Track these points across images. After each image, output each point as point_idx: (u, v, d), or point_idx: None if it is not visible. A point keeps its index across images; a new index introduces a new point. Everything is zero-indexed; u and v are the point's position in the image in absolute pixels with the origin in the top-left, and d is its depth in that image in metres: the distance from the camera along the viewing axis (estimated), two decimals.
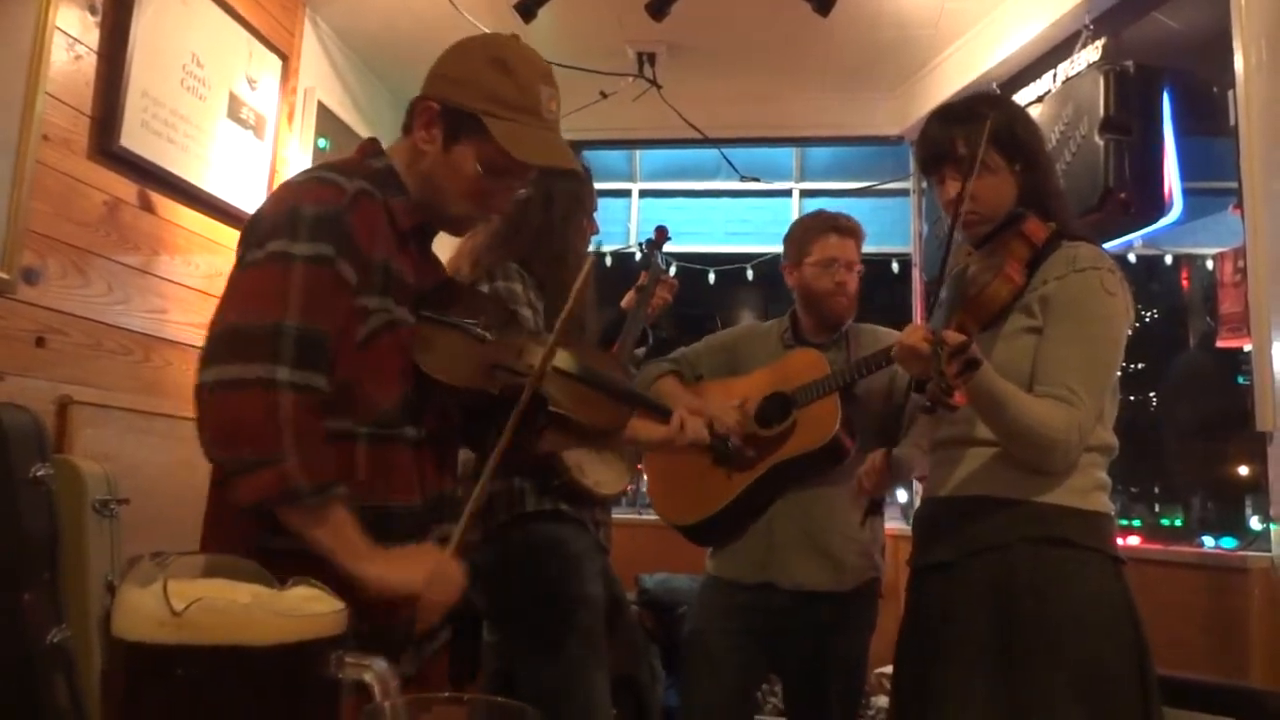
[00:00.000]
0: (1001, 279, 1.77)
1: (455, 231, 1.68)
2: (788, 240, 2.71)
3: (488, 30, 3.65)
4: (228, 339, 1.36)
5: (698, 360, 2.71)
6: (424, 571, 1.41)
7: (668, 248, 2.88)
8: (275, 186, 3.42)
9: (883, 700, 3.68)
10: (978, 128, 1.83)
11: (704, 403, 2.44)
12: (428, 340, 1.55)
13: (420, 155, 1.56)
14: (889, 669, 1.98)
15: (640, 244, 2.80)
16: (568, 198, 2.32)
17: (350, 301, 1.44)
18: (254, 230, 1.46)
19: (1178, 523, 5.19)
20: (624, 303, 2.73)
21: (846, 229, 2.63)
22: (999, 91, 3.89)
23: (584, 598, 2.24)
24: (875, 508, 2.23)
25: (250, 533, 1.39)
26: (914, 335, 1.64)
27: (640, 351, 2.69)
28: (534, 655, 2.21)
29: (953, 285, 1.85)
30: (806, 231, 2.65)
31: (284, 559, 1.35)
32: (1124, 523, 4.14)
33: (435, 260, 1.72)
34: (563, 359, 1.58)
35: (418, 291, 1.57)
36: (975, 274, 1.83)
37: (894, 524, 4.51)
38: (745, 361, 2.66)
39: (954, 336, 1.58)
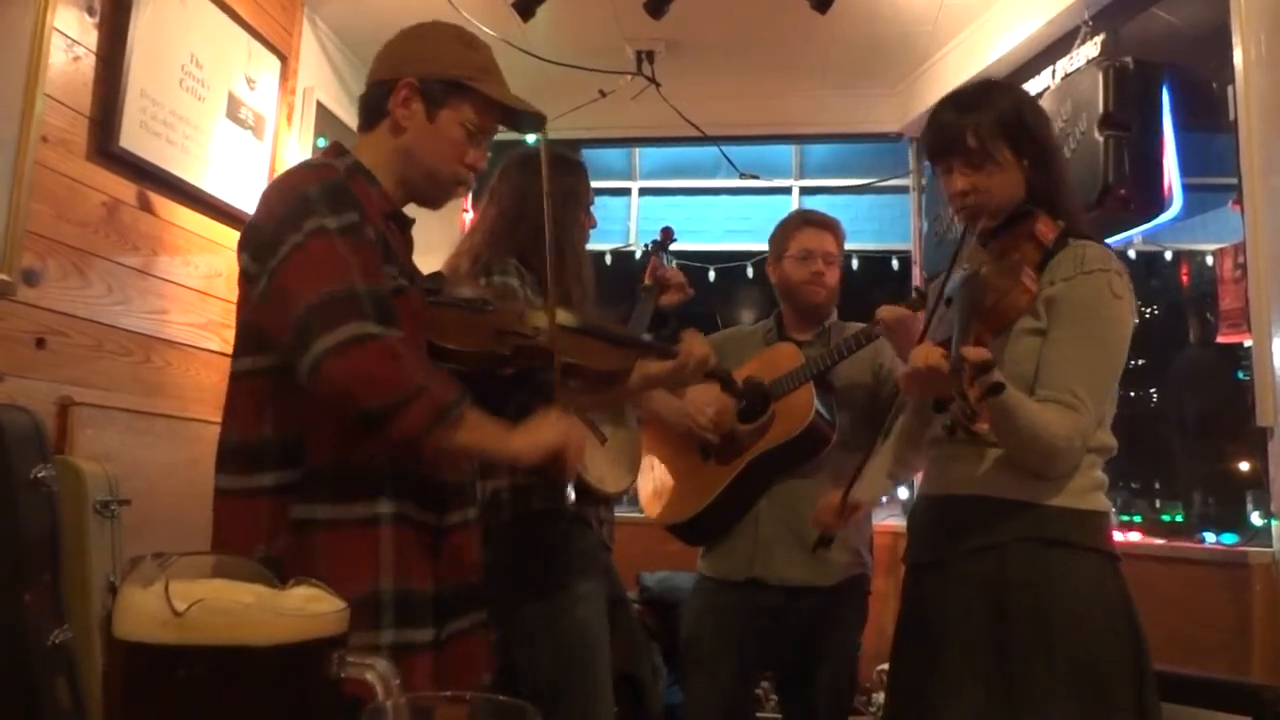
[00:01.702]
0: (1020, 290, 1.73)
1: (435, 203, 1.72)
2: (770, 240, 2.78)
3: (487, 30, 3.66)
4: (318, 313, 1.41)
5: None
6: (558, 428, 1.56)
7: (669, 247, 2.88)
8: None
9: (883, 697, 3.68)
10: (988, 116, 1.80)
11: (685, 398, 2.47)
12: (434, 318, 1.62)
13: (399, 132, 1.63)
14: (888, 665, 1.98)
15: (645, 245, 2.80)
16: (564, 192, 2.32)
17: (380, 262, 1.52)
18: (261, 230, 1.49)
19: (1179, 519, 5.19)
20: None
21: (821, 222, 2.71)
22: None
23: (586, 595, 2.24)
24: (825, 542, 2.26)
25: (278, 517, 1.45)
26: (932, 355, 1.59)
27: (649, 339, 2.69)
28: (535, 653, 2.21)
29: (964, 291, 1.76)
30: (784, 228, 2.74)
31: (318, 528, 1.44)
32: (1125, 519, 4.14)
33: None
34: (564, 317, 1.65)
35: (409, 270, 1.64)
36: (989, 280, 1.76)
37: (893, 520, 4.51)
38: (729, 364, 2.69)
39: (976, 354, 1.52)
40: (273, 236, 1.46)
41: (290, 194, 1.49)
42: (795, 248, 2.66)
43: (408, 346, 1.45)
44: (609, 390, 1.97)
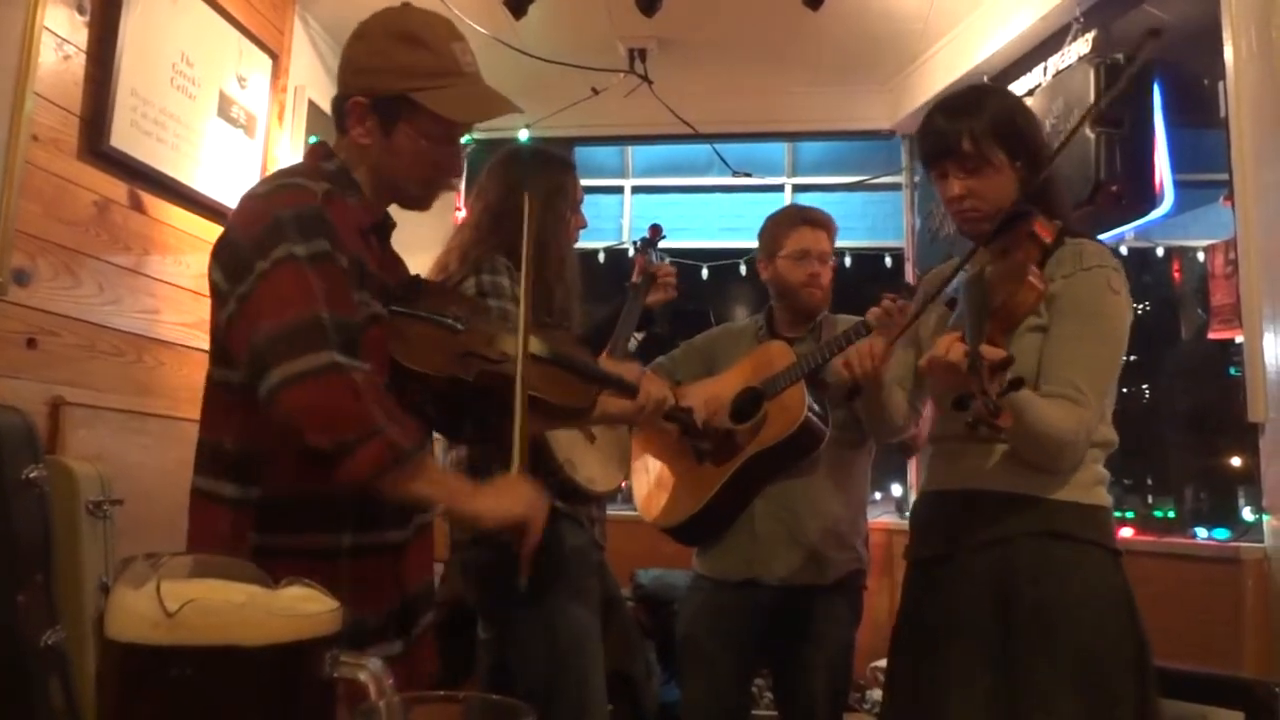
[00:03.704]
0: (1027, 287, 1.74)
1: (421, 207, 1.68)
2: (761, 235, 2.75)
3: (479, 28, 3.66)
4: (280, 341, 1.37)
5: (675, 368, 2.75)
6: (525, 498, 1.50)
7: (661, 245, 2.88)
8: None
9: (878, 694, 3.68)
10: (982, 121, 1.82)
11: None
12: (401, 332, 1.58)
13: (364, 150, 1.59)
14: (884, 662, 1.98)
15: (634, 242, 2.80)
16: (549, 190, 2.31)
17: (352, 292, 1.47)
18: (234, 249, 1.46)
19: (1171, 514, 5.21)
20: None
21: (818, 221, 2.66)
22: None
23: (579, 594, 2.24)
24: (855, 392, 1.92)
25: (239, 533, 1.42)
26: (954, 351, 1.58)
27: (639, 336, 2.70)
28: (528, 652, 2.21)
29: (970, 292, 1.78)
30: (778, 225, 2.70)
31: (277, 556, 1.38)
32: (1117, 514, 4.13)
33: (397, 257, 1.74)
34: (533, 344, 1.61)
35: (384, 286, 1.59)
36: (994, 281, 1.78)
37: (888, 517, 4.53)
38: (722, 362, 2.70)
39: (993, 352, 1.54)
40: (242, 261, 1.43)
41: (263, 215, 1.45)
42: (791, 247, 2.63)
43: (371, 382, 1.39)
44: (567, 423, 1.96)
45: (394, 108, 1.55)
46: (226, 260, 1.47)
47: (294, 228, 1.42)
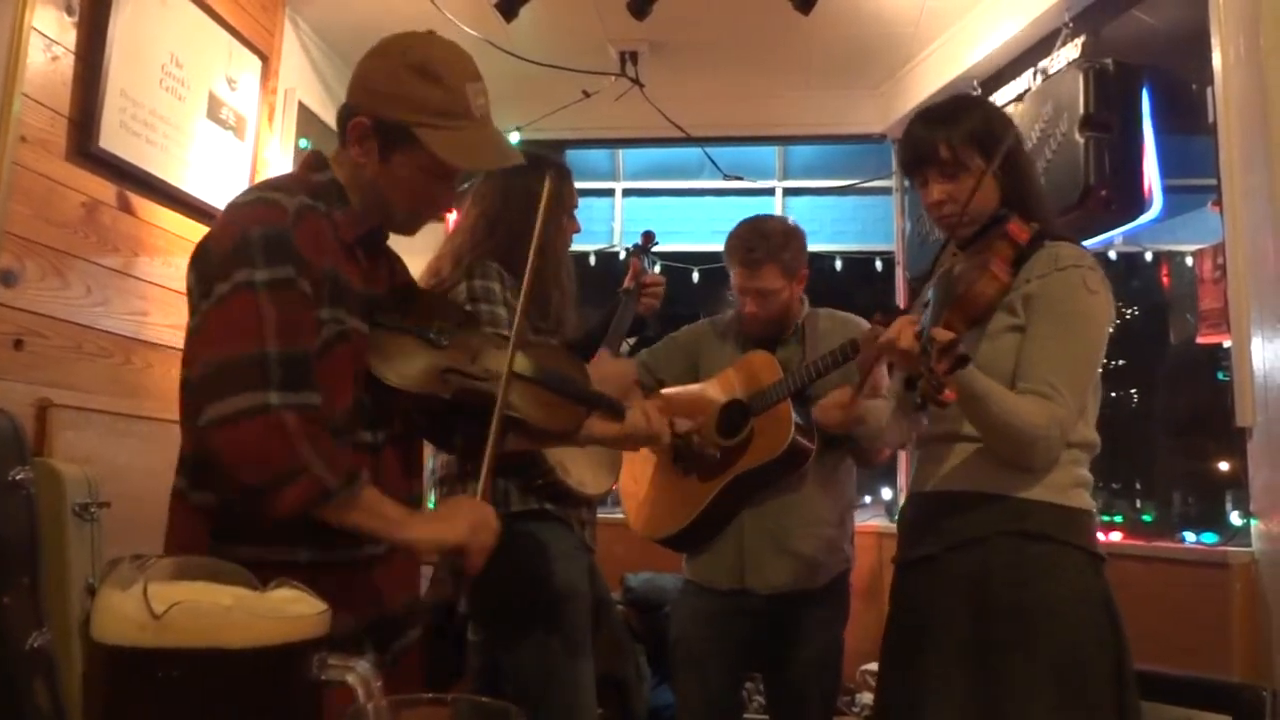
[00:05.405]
0: (988, 278, 1.78)
1: (408, 232, 1.67)
2: None
3: (470, 30, 3.66)
4: (216, 377, 1.37)
5: (658, 366, 2.73)
6: (465, 522, 1.48)
7: (653, 249, 2.88)
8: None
9: (867, 697, 3.69)
10: (959, 129, 1.86)
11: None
12: (381, 346, 1.56)
13: (360, 168, 1.58)
14: (873, 665, 1.99)
15: (627, 248, 2.79)
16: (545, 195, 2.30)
17: (314, 315, 1.46)
18: (206, 259, 1.46)
19: (1159, 518, 5.22)
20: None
21: (750, 260, 2.54)
22: (980, 90, 3.92)
23: (568, 597, 2.24)
24: (838, 440, 2.22)
25: (199, 538, 1.43)
26: (904, 336, 1.63)
27: (631, 341, 2.69)
28: (518, 654, 2.21)
29: (940, 285, 1.86)
30: (727, 252, 2.62)
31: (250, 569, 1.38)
32: (1106, 519, 4.16)
33: (391, 265, 1.72)
34: (519, 362, 1.58)
35: (369, 299, 1.57)
36: (962, 273, 1.84)
37: (877, 520, 4.53)
38: (705, 359, 2.69)
39: (942, 334, 1.59)
40: (209, 275, 1.43)
41: (235, 230, 1.45)
42: (733, 279, 2.61)
43: (304, 419, 1.38)
44: (551, 444, 1.96)
45: (395, 136, 1.54)
46: (200, 269, 1.47)
47: (260, 250, 1.41)
